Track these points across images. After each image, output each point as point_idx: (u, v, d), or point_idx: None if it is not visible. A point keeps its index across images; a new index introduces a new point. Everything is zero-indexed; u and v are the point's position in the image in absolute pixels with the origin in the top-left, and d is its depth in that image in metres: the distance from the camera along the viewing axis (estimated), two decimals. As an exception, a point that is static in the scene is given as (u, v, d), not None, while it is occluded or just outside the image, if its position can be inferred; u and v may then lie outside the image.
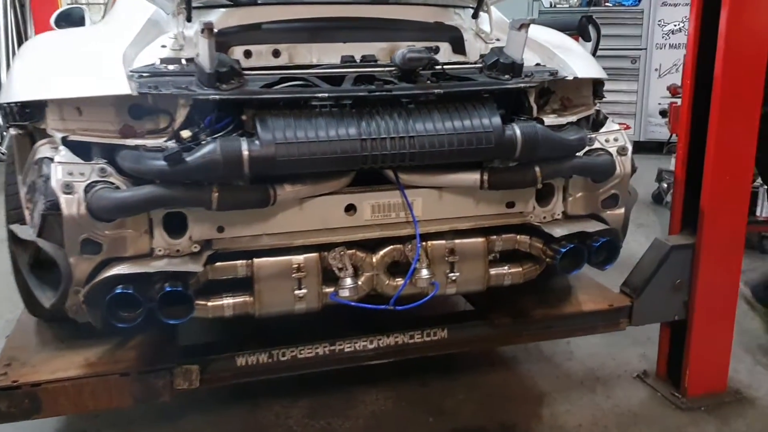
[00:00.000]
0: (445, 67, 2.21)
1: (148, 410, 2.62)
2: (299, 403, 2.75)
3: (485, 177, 2.13)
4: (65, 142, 1.92)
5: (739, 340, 3.07)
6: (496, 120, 2.06)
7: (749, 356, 3.12)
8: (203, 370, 2.21)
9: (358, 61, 2.29)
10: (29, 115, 1.96)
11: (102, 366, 2.15)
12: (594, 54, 3.22)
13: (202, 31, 1.82)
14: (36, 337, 2.35)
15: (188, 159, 1.81)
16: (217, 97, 1.89)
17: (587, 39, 3.46)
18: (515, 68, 2.18)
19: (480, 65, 2.30)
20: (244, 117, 1.96)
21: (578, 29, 3.45)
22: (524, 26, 2.12)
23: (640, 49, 7.56)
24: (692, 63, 2.60)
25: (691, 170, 2.67)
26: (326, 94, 1.96)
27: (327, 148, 1.91)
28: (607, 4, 7.73)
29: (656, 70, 7.56)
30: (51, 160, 1.87)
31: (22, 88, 1.98)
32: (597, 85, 2.49)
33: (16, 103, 1.96)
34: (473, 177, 2.14)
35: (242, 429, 2.63)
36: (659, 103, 6.91)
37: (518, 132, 2.05)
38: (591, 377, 2.97)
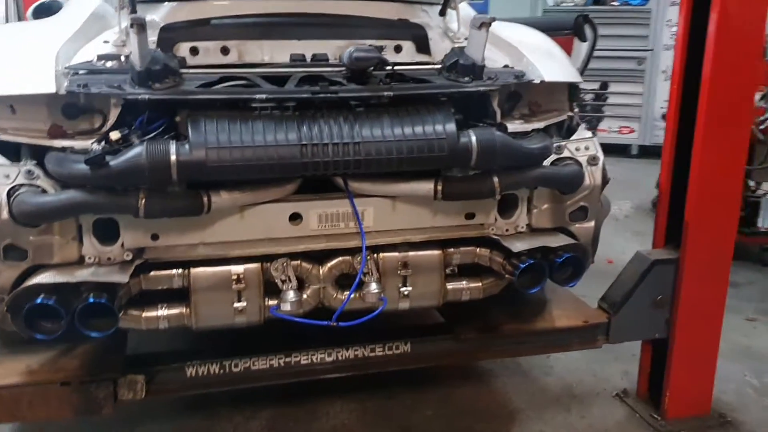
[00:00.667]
0: (400, 67, 2.09)
1: (100, 417, 2.53)
2: (260, 414, 2.66)
3: (439, 187, 2.00)
4: None
5: (729, 358, 2.91)
6: (451, 126, 1.93)
7: (738, 376, 2.97)
8: (150, 381, 2.13)
9: (308, 60, 2.16)
10: None
11: (43, 374, 2.07)
12: (590, 56, 3.06)
13: (132, 25, 1.72)
14: (-21, 342, 2.27)
15: (112, 163, 1.71)
16: (146, 96, 1.78)
17: (583, 39, 3.28)
18: (476, 70, 2.05)
19: (440, 66, 2.17)
20: (177, 118, 1.85)
21: (574, 29, 3.28)
22: (485, 25, 1.99)
23: (647, 50, 7.33)
24: (680, 66, 2.46)
25: (677, 180, 2.52)
26: (265, 96, 1.84)
27: (263, 153, 1.80)
28: (613, 3, 7.48)
29: (663, 72, 7.28)
30: None
31: None
32: (573, 89, 2.34)
33: None
34: (427, 186, 2.01)
35: (198, 440, 2.54)
36: (661, 107, 6.69)
37: (474, 139, 1.92)
38: (568, 394, 2.84)
